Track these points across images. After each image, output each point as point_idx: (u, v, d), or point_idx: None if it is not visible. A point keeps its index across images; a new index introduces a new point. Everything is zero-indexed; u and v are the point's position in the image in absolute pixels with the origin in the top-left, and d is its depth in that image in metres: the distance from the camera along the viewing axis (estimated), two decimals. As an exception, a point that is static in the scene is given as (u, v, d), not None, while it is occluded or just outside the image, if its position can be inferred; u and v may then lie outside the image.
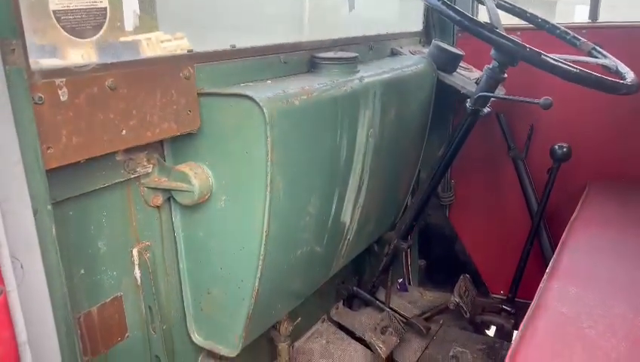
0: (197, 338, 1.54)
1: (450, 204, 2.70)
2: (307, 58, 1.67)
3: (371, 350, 2.17)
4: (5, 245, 0.77)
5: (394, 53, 2.19)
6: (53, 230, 0.94)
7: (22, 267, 0.86)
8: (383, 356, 2.05)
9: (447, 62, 2.15)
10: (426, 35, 2.48)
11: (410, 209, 2.28)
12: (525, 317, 1.30)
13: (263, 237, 1.33)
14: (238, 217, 1.35)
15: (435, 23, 2.49)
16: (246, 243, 1.37)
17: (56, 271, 0.94)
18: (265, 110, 1.22)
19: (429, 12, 2.46)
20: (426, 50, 2.22)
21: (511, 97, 1.98)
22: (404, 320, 2.29)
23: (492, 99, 2.00)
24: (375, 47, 2.06)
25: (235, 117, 1.28)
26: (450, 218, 2.72)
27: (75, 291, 1.23)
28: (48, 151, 0.98)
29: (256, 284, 1.38)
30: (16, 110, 0.87)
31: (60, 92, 1.00)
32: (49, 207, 0.93)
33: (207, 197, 1.36)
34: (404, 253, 2.65)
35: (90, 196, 1.23)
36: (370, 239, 2.13)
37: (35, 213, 0.90)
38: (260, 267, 1.36)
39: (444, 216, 2.71)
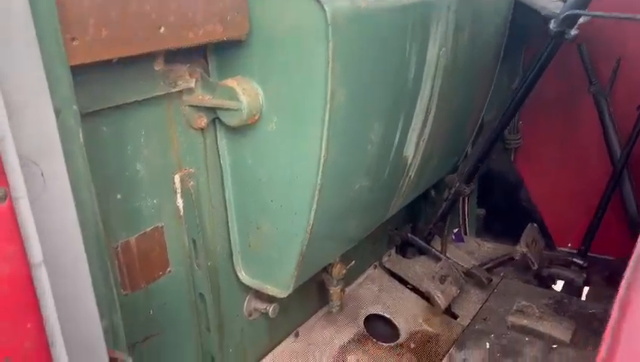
0: (244, 276, 1.41)
1: (516, 147, 2.44)
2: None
3: (426, 300, 2.01)
4: (10, 140, 0.61)
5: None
6: (81, 135, 0.79)
7: (42, 174, 0.71)
8: (442, 307, 1.88)
9: (527, -20, 1.86)
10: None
11: (475, 150, 2.06)
12: (630, 266, 1.09)
13: (320, 164, 1.15)
14: (291, 141, 1.18)
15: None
16: (300, 171, 1.20)
17: (84, 185, 0.80)
18: (327, 8, 1.02)
19: None
20: (502, -33, 1.93)
21: (611, 14, 1.68)
22: (464, 271, 2.12)
23: (581, 20, 1.72)
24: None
25: (290, 20, 1.08)
26: (516, 163, 2.48)
27: (111, 217, 1.10)
28: (73, 43, 0.82)
29: (311, 218, 1.22)
30: (32, -12, 0.71)
31: (85, -29, 0.83)
32: (74, 107, 0.78)
33: (256, 117, 1.19)
34: (461, 201, 2.45)
35: (126, 111, 1.08)
36: (431, 180, 1.93)
37: (58, 113, 0.75)
38: (315, 198, 1.19)
39: (508, 161, 2.47)
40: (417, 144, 1.55)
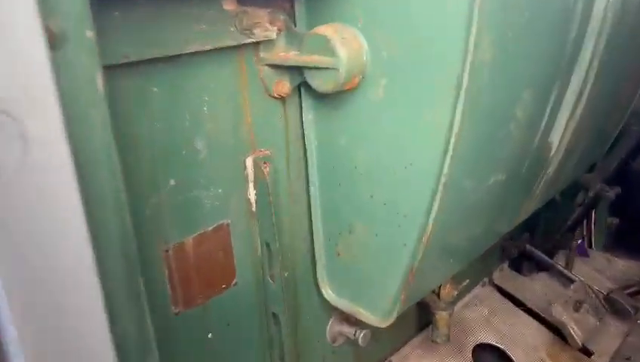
0: (329, 293, 1.09)
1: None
2: None
3: (552, 330, 1.60)
4: None
5: None
6: (99, 79, 0.49)
7: (23, 136, 0.42)
8: (579, 343, 1.47)
9: None
10: None
11: (624, 143, 1.62)
12: None
13: (450, 146, 0.80)
14: (407, 113, 0.84)
15: None
16: (417, 156, 0.85)
17: (103, 158, 0.50)
18: None
19: None
20: None
21: None
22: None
23: None
24: None
25: None
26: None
27: (161, 210, 0.82)
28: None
29: (429, 223, 0.87)
30: None
31: None
32: (89, 33, 0.48)
33: (357, 80, 0.85)
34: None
35: (184, 66, 0.79)
36: (567, 180, 1.51)
37: (58, 40, 0.46)
38: (438, 196, 0.84)
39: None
40: (565, 128, 1.16)
